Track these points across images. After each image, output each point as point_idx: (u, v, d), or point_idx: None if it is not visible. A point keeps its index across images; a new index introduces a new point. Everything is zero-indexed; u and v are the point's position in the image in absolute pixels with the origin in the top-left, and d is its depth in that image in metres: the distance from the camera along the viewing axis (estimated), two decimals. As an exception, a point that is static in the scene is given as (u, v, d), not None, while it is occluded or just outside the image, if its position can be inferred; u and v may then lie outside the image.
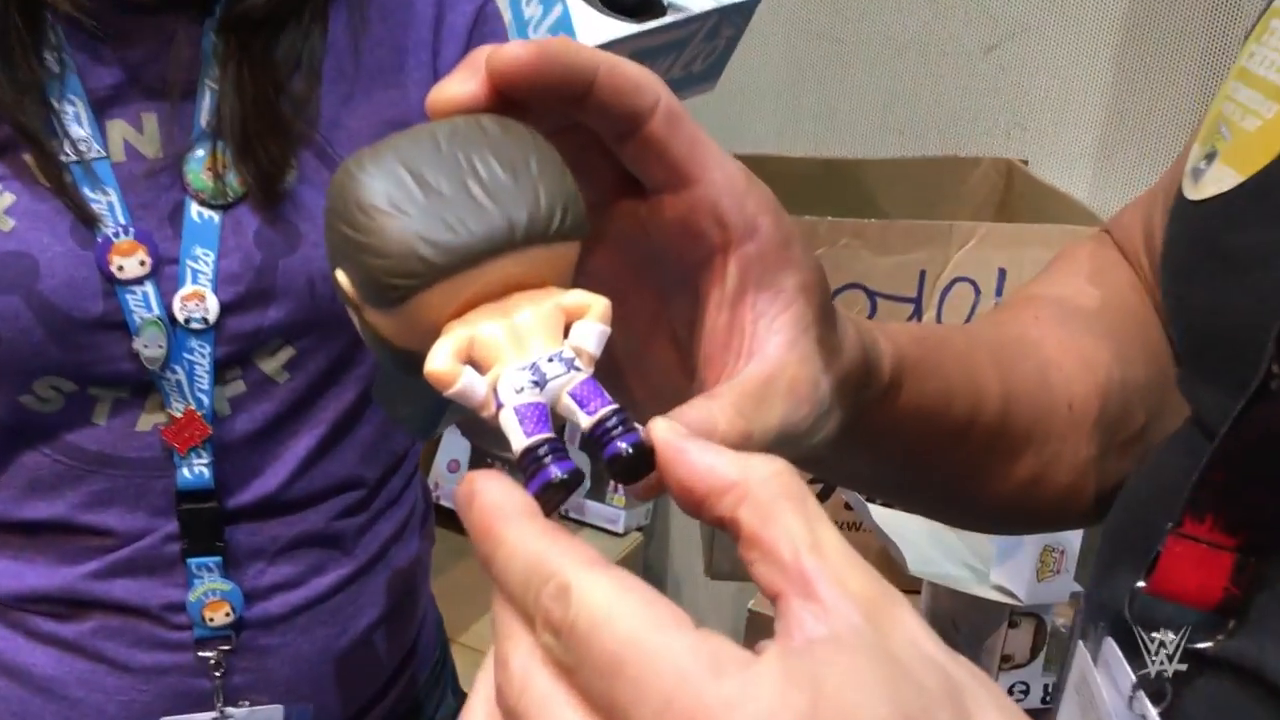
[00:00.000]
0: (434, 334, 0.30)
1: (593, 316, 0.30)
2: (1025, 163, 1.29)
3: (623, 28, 0.54)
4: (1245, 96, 0.41)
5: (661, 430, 0.28)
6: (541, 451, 0.28)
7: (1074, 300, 0.55)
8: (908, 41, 1.58)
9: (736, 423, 0.33)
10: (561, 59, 0.31)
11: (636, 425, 0.29)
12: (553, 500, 0.28)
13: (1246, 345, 0.37)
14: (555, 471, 0.28)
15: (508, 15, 0.58)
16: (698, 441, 0.27)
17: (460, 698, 0.97)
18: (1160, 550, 0.39)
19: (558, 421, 0.29)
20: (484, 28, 0.77)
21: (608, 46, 0.54)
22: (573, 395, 0.29)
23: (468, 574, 1.77)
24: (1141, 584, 0.39)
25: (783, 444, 0.35)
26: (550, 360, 0.29)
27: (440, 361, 0.29)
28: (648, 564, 1.87)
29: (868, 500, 1.05)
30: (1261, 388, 0.36)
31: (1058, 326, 0.53)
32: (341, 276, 0.31)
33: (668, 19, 0.55)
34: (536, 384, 0.29)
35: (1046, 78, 1.51)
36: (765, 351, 0.34)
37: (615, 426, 0.29)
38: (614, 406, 0.29)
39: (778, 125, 1.69)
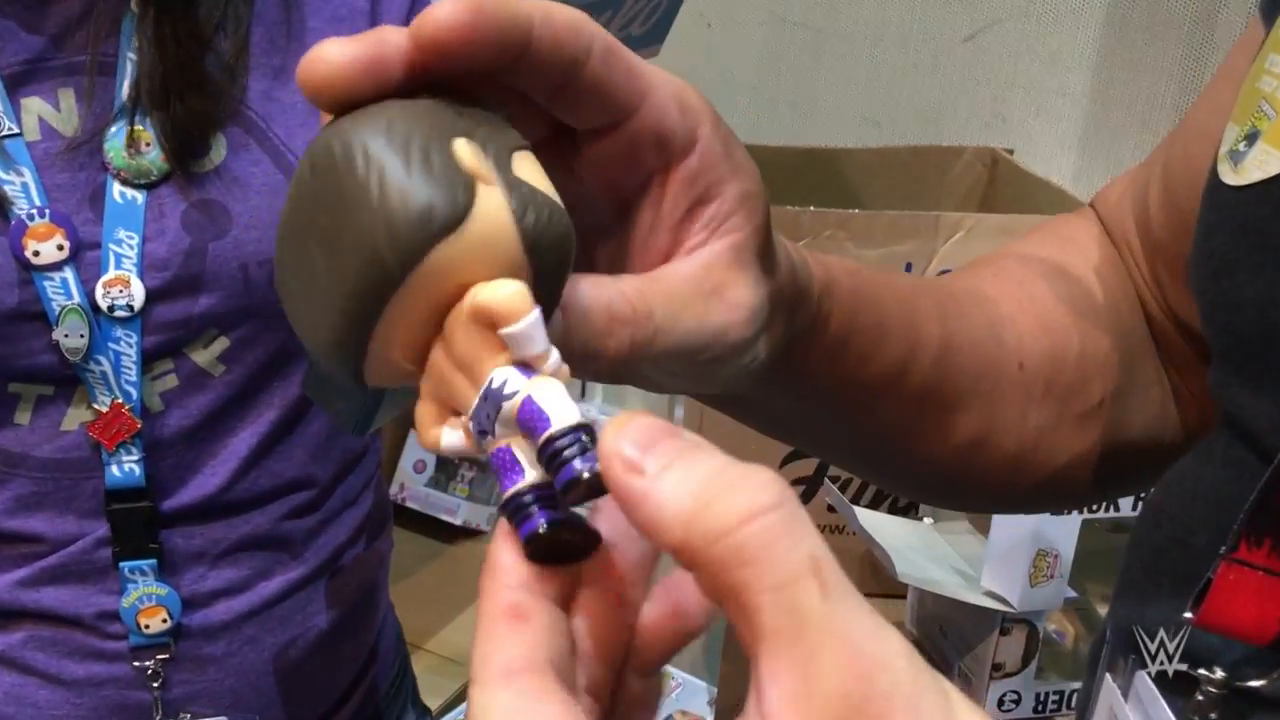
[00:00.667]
0: (393, 364, 0.27)
1: (513, 313, 0.25)
2: (1010, 152, 1.26)
3: None
4: None
5: (611, 460, 0.23)
6: (512, 508, 0.25)
7: (1039, 264, 0.52)
8: (886, 30, 1.55)
9: (640, 310, 0.31)
10: (497, 16, 0.27)
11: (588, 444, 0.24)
12: (541, 549, 0.24)
13: None
14: (534, 525, 0.24)
15: None
16: (632, 486, 0.23)
17: (420, 711, 0.92)
18: (1212, 577, 0.35)
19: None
20: None
21: None
22: (520, 421, 0.25)
23: (430, 577, 1.73)
24: (1189, 615, 0.36)
25: (710, 358, 0.33)
26: (495, 385, 0.25)
27: (430, 436, 0.27)
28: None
29: (850, 503, 1.01)
30: None
31: (1017, 286, 0.50)
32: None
33: None
34: (491, 418, 0.25)
35: (1027, 66, 1.48)
36: (697, 254, 0.33)
37: (566, 448, 0.24)
38: (554, 430, 0.24)
39: (754, 115, 1.65)
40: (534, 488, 0.24)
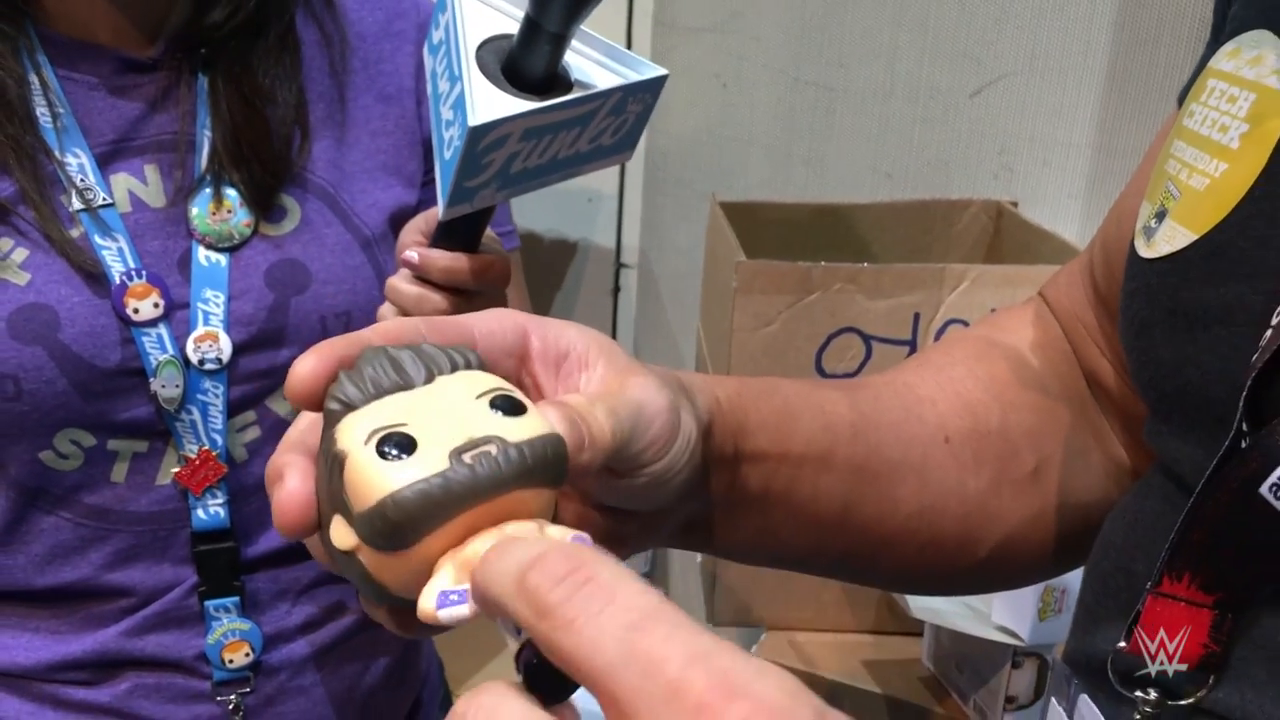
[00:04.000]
0: (428, 570, 0.32)
1: (576, 534, 0.32)
2: (1015, 204, 1.31)
3: (516, 104, 0.54)
4: (1190, 155, 0.42)
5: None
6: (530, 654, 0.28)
7: (960, 351, 0.56)
8: (894, 87, 1.61)
9: (608, 423, 0.36)
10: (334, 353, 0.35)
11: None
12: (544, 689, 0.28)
13: (1214, 401, 0.38)
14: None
15: (429, 89, 0.59)
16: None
17: None
18: (1140, 609, 0.39)
19: None
20: None
21: (507, 122, 0.54)
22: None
23: (465, 625, 1.77)
24: (1122, 644, 0.40)
25: (645, 443, 0.38)
26: None
27: (429, 603, 0.31)
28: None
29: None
30: (1232, 446, 0.36)
31: (936, 371, 0.55)
32: (338, 524, 0.33)
33: (568, 96, 0.55)
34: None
35: (1032, 119, 1.53)
36: (594, 373, 0.39)
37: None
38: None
39: (769, 172, 1.71)
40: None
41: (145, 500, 0.71)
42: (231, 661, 0.73)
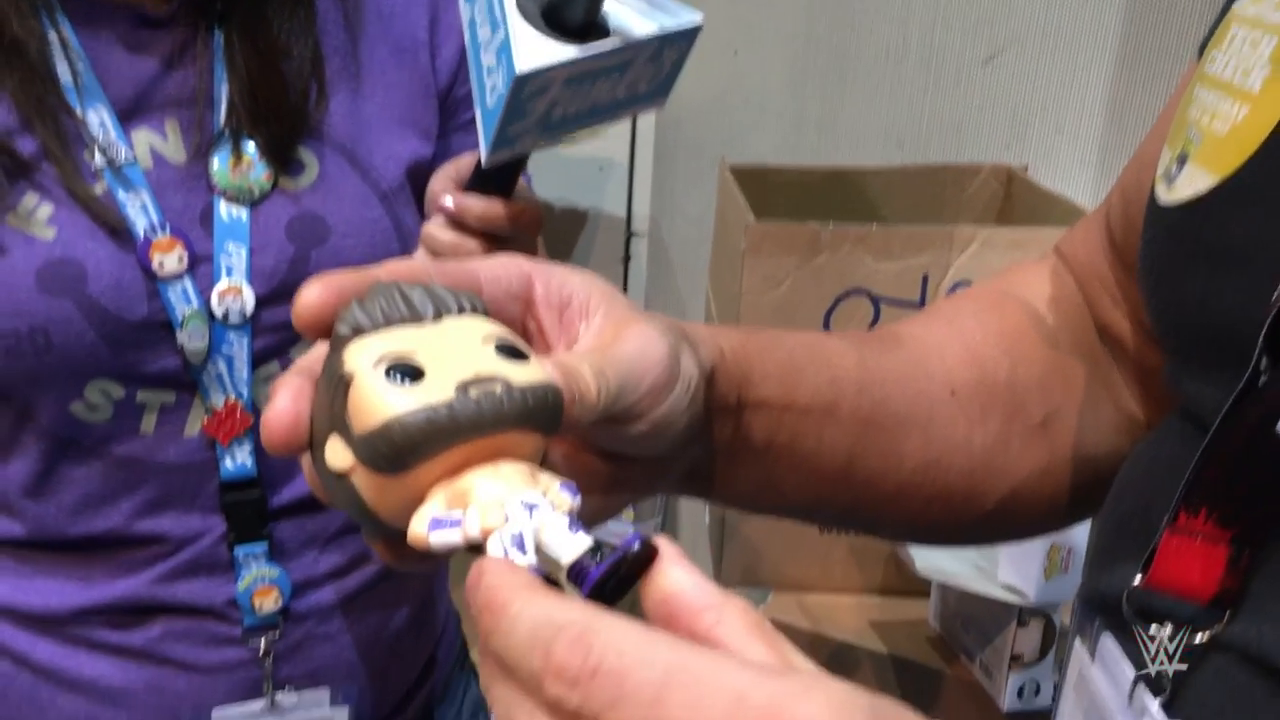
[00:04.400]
0: (420, 498, 0.33)
1: (564, 480, 0.33)
2: (1025, 169, 1.31)
3: (564, 51, 0.54)
4: (1212, 101, 0.42)
5: (664, 544, 0.29)
6: (584, 561, 0.30)
7: (969, 304, 0.57)
8: (907, 53, 1.60)
9: (597, 381, 0.36)
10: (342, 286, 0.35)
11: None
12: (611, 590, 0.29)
13: (1235, 340, 0.38)
14: (596, 572, 0.29)
15: (465, 36, 0.59)
16: (688, 563, 0.29)
17: (474, 673, 0.98)
18: (1157, 545, 0.39)
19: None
20: None
21: (553, 70, 0.54)
22: (555, 528, 0.31)
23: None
24: (1138, 579, 0.40)
25: (648, 388, 0.38)
26: (534, 494, 0.32)
27: (420, 527, 0.32)
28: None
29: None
30: (1250, 383, 0.36)
31: (945, 324, 0.55)
32: (335, 444, 0.33)
33: (609, 45, 0.55)
34: (523, 512, 0.31)
35: (1045, 87, 1.52)
36: (594, 321, 0.40)
37: (599, 551, 0.30)
38: (595, 542, 0.30)
39: (780, 137, 1.70)
40: (542, 572, 0.30)
41: (174, 451, 0.72)
42: (261, 607, 0.75)
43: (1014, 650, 0.99)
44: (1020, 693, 1.01)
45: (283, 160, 0.72)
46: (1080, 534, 0.95)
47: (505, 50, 0.54)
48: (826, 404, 0.48)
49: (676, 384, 0.40)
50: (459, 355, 0.33)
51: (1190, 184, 0.41)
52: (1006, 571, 0.98)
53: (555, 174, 1.89)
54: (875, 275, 1.06)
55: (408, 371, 0.32)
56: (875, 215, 1.27)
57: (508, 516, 0.31)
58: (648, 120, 1.95)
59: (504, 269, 0.39)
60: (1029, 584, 0.96)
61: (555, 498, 0.32)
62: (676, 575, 0.28)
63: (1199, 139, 0.42)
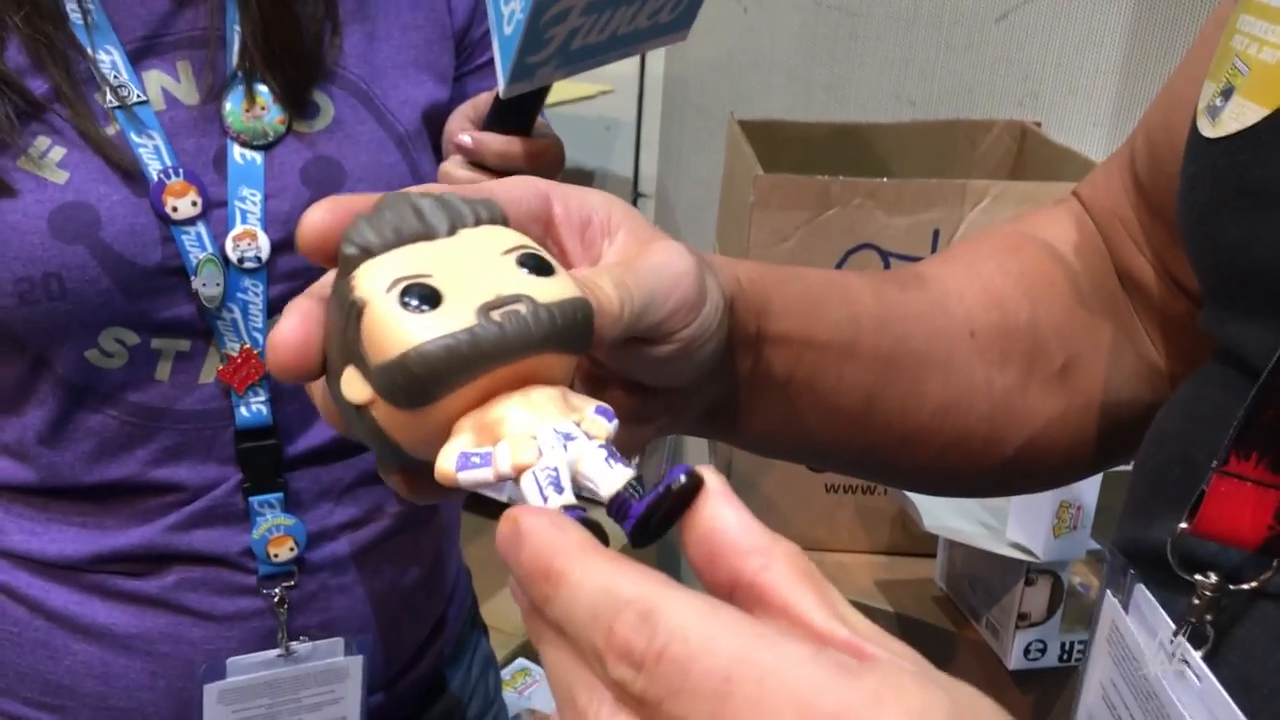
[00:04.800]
0: (446, 430, 0.30)
1: (600, 404, 0.31)
2: (1038, 124, 1.29)
3: None
4: (1260, 29, 0.40)
5: (711, 477, 0.27)
6: (625, 495, 0.28)
7: (989, 246, 0.55)
8: (919, 12, 1.58)
9: (616, 293, 0.35)
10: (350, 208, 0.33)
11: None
12: (652, 530, 0.28)
13: None
14: (639, 508, 0.27)
15: None
16: (734, 499, 0.27)
17: (483, 630, 0.98)
18: (1205, 489, 0.38)
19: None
20: None
21: None
22: (593, 459, 0.29)
23: (478, 552, 1.79)
24: (1184, 525, 0.38)
25: (674, 306, 0.37)
26: (569, 424, 0.30)
27: (448, 463, 0.30)
28: (660, 564, 1.88)
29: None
30: None
31: (965, 266, 0.53)
32: (351, 376, 0.31)
33: None
34: (557, 444, 0.29)
35: (1058, 45, 1.50)
36: (618, 240, 0.38)
37: (639, 487, 0.28)
38: (636, 473, 0.29)
39: (791, 97, 1.68)
40: (579, 509, 0.28)
41: (190, 399, 0.71)
42: (276, 556, 0.74)
43: (1021, 609, 0.99)
44: (1027, 652, 1.00)
45: (297, 103, 0.70)
46: (1089, 492, 0.94)
47: None
48: (846, 340, 0.47)
49: (705, 303, 0.38)
50: (479, 273, 0.30)
51: (1237, 117, 0.39)
52: (1015, 530, 0.97)
53: (562, 134, 1.87)
54: (885, 230, 1.04)
55: (424, 295, 0.29)
56: (885, 171, 1.26)
57: (541, 450, 0.29)
58: (655, 80, 1.93)
59: (521, 189, 0.37)
60: (1037, 542, 0.95)
61: (590, 425, 0.30)
62: (723, 512, 0.26)
63: (1246, 70, 0.40)
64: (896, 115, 1.58)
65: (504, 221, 0.33)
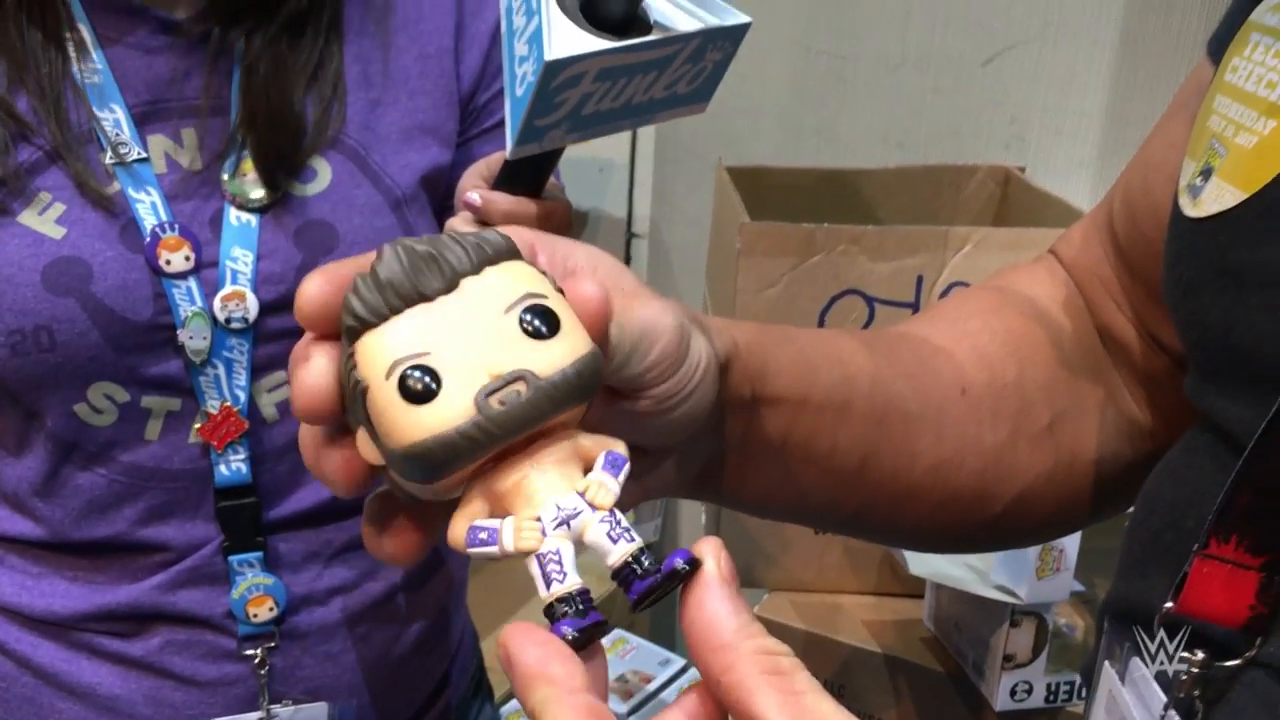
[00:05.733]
0: (457, 486, 0.32)
1: (612, 448, 0.32)
2: (1022, 170, 1.31)
3: (595, 42, 0.52)
4: (1236, 112, 0.41)
5: (708, 562, 0.30)
6: (560, 610, 0.29)
7: (974, 305, 0.56)
8: (906, 56, 1.60)
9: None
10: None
11: (655, 559, 0.30)
12: (586, 639, 0.29)
13: (1265, 363, 0.37)
14: (568, 630, 0.29)
15: (503, 25, 0.59)
16: (724, 588, 0.29)
17: (495, 706, 0.98)
18: (1187, 571, 0.39)
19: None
20: None
21: (584, 60, 0.53)
22: (597, 533, 0.30)
23: (479, 591, 1.79)
24: (1170, 604, 0.39)
25: (653, 360, 0.37)
26: (573, 499, 0.31)
27: (458, 534, 0.31)
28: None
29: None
30: None
31: (950, 325, 0.54)
32: (364, 438, 0.32)
33: (646, 38, 0.53)
34: (563, 524, 0.30)
35: (1044, 88, 1.52)
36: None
37: (642, 562, 0.30)
38: (640, 545, 0.30)
39: (781, 139, 1.70)
40: (583, 591, 0.30)
41: (178, 458, 0.72)
42: (256, 616, 0.74)
43: (1007, 650, 0.99)
44: (1013, 693, 1.01)
45: (289, 172, 0.71)
46: (1072, 535, 0.95)
47: (538, 38, 0.53)
48: (840, 401, 0.47)
49: (685, 360, 0.38)
50: (479, 343, 0.30)
51: (1216, 199, 0.40)
52: (999, 572, 0.99)
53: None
54: (870, 276, 1.06)
55: (423, 383, 0.30)
56: (872, 217, 1.28)
57: (545, 531, 0.30)
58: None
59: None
60: (1021, 585, 0.96)
61: (596, 493, 0.31)
62: (707, 602, 0.29)
63: (1224, 152, 0.41)
64: (884, 157, 1.60)
65: (510, 252, 0.33)
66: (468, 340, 0.30)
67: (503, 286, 0.31)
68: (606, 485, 0.31)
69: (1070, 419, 0.53)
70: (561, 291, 0.33)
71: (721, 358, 0.42)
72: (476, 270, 0.31)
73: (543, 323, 0.31)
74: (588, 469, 0.32)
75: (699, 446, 0.43)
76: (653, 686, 1.58)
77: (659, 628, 1.85)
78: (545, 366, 0.30)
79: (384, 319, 0.31)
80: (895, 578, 1.16)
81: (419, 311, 0.31)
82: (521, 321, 0.31)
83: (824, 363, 0.47)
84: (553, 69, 0.53)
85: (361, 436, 0.32)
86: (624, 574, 0.30)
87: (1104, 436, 0.54)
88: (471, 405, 0.29)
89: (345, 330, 0.32)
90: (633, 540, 0.30)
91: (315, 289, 0.32)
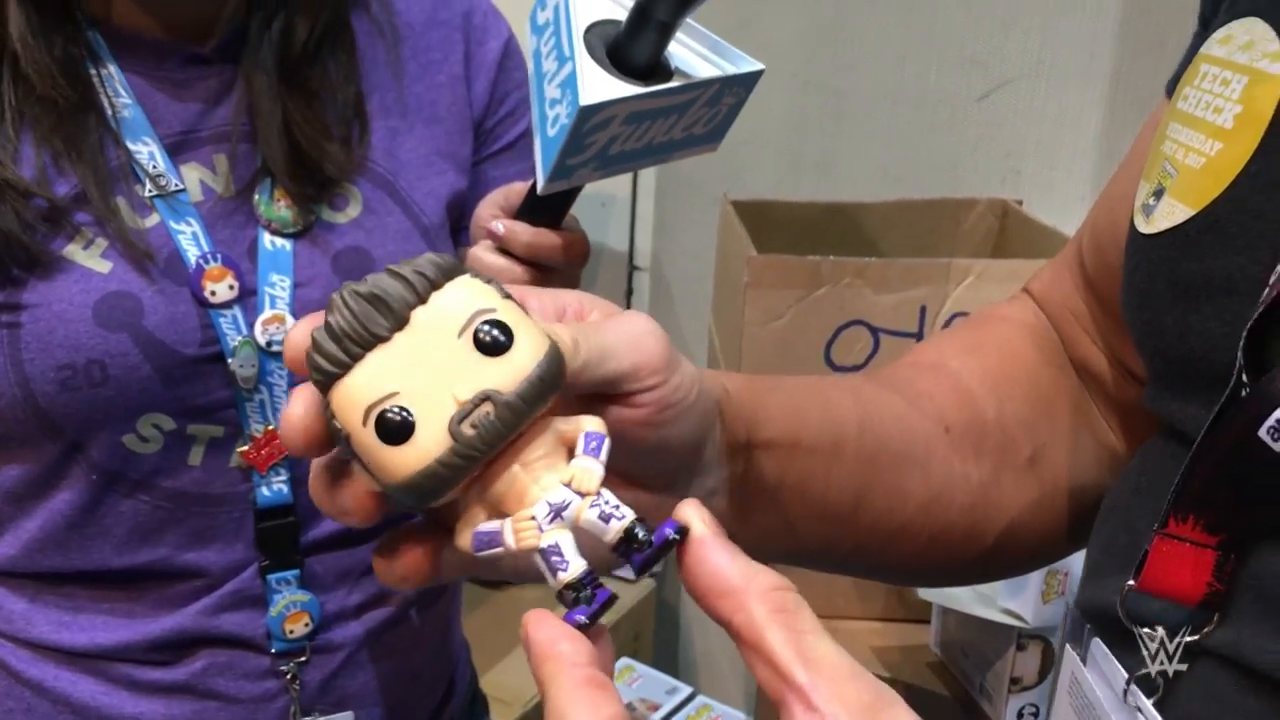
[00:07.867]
0: (455, 503, 0.34)
1: (589, 427, 0.34)
2: (1020, 203, 1.34)
3: (625, 88, 0.56)
4: (1186, 137, 0.44)
5: (695, 524, 0.32)
6: (570, 596, 0.32)
7: (951, 348, 0.58)
8: (903, 92, 1.63)
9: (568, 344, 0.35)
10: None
11: (648, 528, 0.32)
12: (595, 620, 0.31)
13: (1216, 365, 0.40)
14: (580, 618, 0.31)
15: (530, 66, 0.61)
16: (718, 541, 0.32)
17: None
18: (1148, 549, 0.41)
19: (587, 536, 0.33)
20: (508, 63, 0.82)
21: (616, 104, 0.56)
22: (589, 517, 0.32)
23: (477, 623, 1.80)
24: (1132, 582, 0.41)
25: (648, 395, 0.38)
26: (561, 491, 0.33)
27: (464, 541, 0.33)
28: (660, 607, 1.89)
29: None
30: (1232, 396, 0.38)
31: (930, 370, 0.56)
32: (359, 470, 0.34)
33: (670, 84, 0.57)
34: (557, 516, 0.32)
35: (1039, 123, 1.55)
36: (595, 318, 0.39)
37: (638, 534, 0.32)
38: (631, 519, 0.32)
39: (779, 175, 1.73)
40: (588, 573, 0.32)
41: (219, 483, 0.73)
42: (292, 632, 0.76)
43: (1013, 674, 1.01)
44: (1020, 716, 1.02)
45: (319, 198, 0.73)
46: (1076, 558, 0.97)
47: (571, 84, 0.56)
48: (831, 444, 0.49)
49: (676, 370, 0.39)
50: (441, 374, 0.32)
51: (1168, 216, 0.43)
52: (1005, 596, 1.00)
53: (558, 211, 1.91)
54: (874, 307, 1.09)
55: (398, 424, 0.31)
56: (873, 249, 1.30)
57: (541, 527, 0.32)
58: (649, 158, 1.98)
59: None
60: (1027, 608, 0.98)
61: (580, 479, 0.32)
62: (706, 557, 0.31)
63: (1175, 173, 0.44)
64: (882, 190, 1.63)
65: (449, 270, 0.33)
66: (431, 372, 0.32)
67: (452, 309, 0.32)
68: (590, 470, 0.33)
69: (1050, 451, 0.55)
70: (509, 296, 0.34)
71: (714, 397, 0.43)
72: (424, 299, 0.33)
73: (496, 338, 0.32)
74: (571, 451, 0.34)
75: (699, 484, 0.44)
76: (659, 715, 1.59)
77: (664, 656, 1.86)
78: (507, 381, 0.32)
79: (348, 368, 0.32)
80: (901, 603, 1.17)
81: (379, 354, 0.32)
82: (477, 342, 0.32)
83: (813, 407, 0.49)
84: (586, 113, 0.56)
85: (357, 469, 0.34)
86: (622, 548, 0.32)
87: (1083, 466, 0.56)
88: (446, 435, 0.31)
89: (315, 384, 0.33)
90: (624, 516, 0.32)
91: (297, 337, 0.33)
